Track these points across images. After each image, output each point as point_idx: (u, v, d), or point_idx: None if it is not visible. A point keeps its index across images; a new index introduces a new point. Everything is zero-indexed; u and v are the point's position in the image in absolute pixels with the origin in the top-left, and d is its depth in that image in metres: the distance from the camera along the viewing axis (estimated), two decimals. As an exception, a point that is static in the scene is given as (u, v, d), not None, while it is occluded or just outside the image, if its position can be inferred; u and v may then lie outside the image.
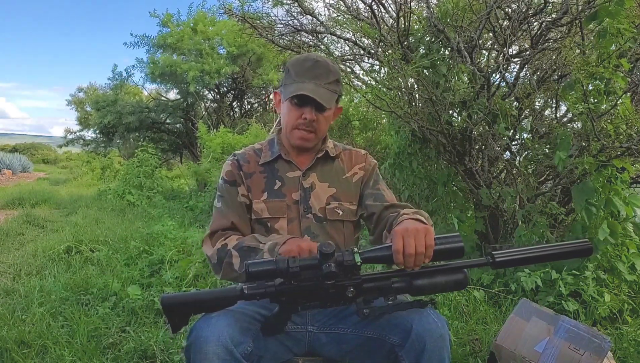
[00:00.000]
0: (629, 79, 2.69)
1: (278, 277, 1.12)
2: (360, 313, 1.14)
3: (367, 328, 1.27)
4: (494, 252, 1.14)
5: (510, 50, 3.00)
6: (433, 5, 3.22)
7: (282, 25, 3.98)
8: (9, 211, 7.24)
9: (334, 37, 3.81)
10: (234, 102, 11.75)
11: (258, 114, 11.25)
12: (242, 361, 1.15)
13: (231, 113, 11.53)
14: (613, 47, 2.32)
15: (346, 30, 3.71)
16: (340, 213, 1.43)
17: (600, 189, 2.54)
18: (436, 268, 1.15)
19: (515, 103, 3.12)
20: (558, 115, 3.21)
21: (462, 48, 2.90)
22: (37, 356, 2.23)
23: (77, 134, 15.06)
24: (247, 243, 1.31)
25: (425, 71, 3.13)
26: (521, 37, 3.09)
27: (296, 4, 3.65)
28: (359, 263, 1.10)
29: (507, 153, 3.19)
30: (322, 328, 1.36)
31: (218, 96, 11.37)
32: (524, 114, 3.23)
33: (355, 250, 1.11)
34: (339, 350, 1.34)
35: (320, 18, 3.75)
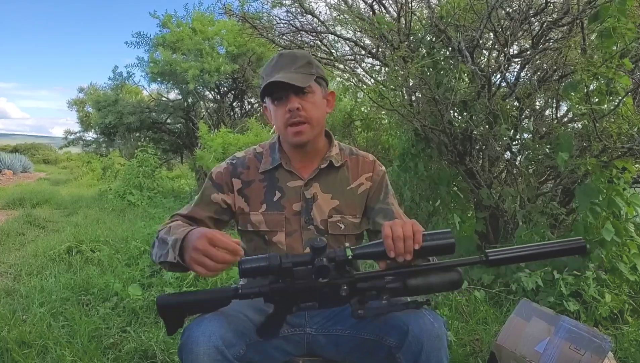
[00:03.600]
0: (632, 79, 2.69)
1: (271, 274, 1.10)
2: (355, 314, 1.14)
3: (364, 329, 1.27)
4: (487, 251, 1.14)
5: (511, 50, 3.00)
6: (434, 5, 3.22)
7: (282, 25, 3.98)
8: (10, 212, 7.24)
9: (335, 37, 3.81)
10: (234, 103, 11.74)
11: (258, 114, 11.24)
12: (233, 362, 1.14)
13: (231, 113, 11.52)
14: (617, 47, 2.31)
15: (346, 30, 3.71)
16: (342, 227, 1.38)
17: (605, 191, 2.53)
18: (430, 267, 1.14)
19: (516, 103, 3.12)
20: (558, 115, 3.21)
21: (463, 48, 2.90)
22: (37, 356, 2.22)
23: (78, 134, 15.05)
24: (162, 234, 1.25)
25: (427, 70, 3.13)
26: (522, 37, 3.09)
27: (297, 3, 3.65)
28: (350, 256, 1.09)
29: (508, 153, 3.19)
30: (321, 330, 1.35)
31: (218, 96, 11.36)
32: (524, 114, 3.23)
33: (347, 245, 1.11)
34: (337, 352, 1.34)
35: (320, 18, 3.76)
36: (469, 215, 3.56)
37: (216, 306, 1.18)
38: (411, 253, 1.06)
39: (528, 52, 2.97)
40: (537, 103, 3.30)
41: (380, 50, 3.48)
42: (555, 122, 3.14)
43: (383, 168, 1.48)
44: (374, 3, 3.39)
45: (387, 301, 1.16)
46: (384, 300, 1.13)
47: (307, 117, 1.31)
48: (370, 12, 3.43)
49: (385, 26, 3.18)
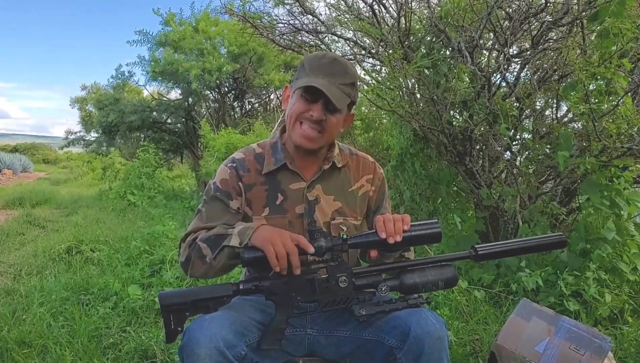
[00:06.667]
0: (630, 79, 2.69)
1: None
2: (357, 313, 1.17)
3: (365, 330, 1.27)
4: (476, 246, 1.24)
5: (511, 50, 3.00)
6: (434, 5, 3.22)
7: (283, 25, 3.99)
8: (10, 211, 7.24)
9: (335, 37, 3.81)
10: (235, 102, 11.73)
11: (260, 115, 11.23)
12: None
13: (232, 113, 11.52)
14: (615, 47, 2.31)
15: (346, 30, 3.71)
16: (345, 229, 1.38)
17: (606, 189, 2.52)
18: (423, 261, 1.23)
19: (515, 103, 3.12)
20: (558, 115, 3.21)
21: (463, 48, 2.90)
22: (37, 356, 2.22)
23: (78, 134, 15.02)
24: (215, 232, 1.25)
25: (426, 70, 3.13)
26: (522, 37, 3.09)
27: (297, 3, 3.65)
28: (344, 237, 1.18)
29: (508, 153, 3.19)
30: (322, 331, 1.36)
31: (219, 96, 11.35)
32: (524, 114, 3.23)
33: (342, 234, 1.20)
34: (337, 352, 1.34)
35: (320, 18, 3.76)
36: (469, 215, 3.56)
37: (219, 303, 1.19)
38: (401, 234, 1.15)
39: (528, 52, 2.97)
40: (537, 103, 3.30)
41: (379, 50, 3.48)
42: (555, 122, 3.14)
43: (381, 170, 1.50)
44: (374, 3, 3.39)
45: (388, 300, 1.18)
46: (383, 292, 1.20)
47: (325, 130, 1.31)
48: (370, 12, 3.43)
49: (386, 26, 3.18)
